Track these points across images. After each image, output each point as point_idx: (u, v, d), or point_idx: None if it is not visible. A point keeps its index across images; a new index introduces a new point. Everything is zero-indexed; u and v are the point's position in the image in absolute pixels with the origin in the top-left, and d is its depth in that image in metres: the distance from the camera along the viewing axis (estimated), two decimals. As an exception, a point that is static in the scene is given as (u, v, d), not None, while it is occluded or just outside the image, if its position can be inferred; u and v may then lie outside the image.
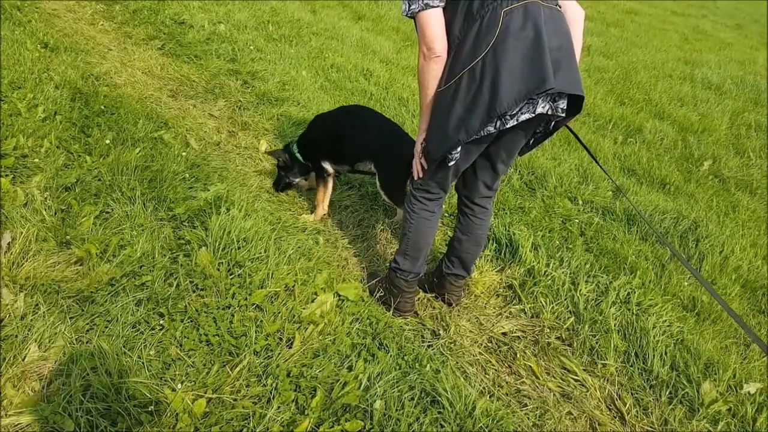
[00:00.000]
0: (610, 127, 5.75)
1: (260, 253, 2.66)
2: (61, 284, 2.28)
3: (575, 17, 2.12)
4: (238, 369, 2.09)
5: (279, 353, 2.20)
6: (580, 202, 3.92)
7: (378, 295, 2.76)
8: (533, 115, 2.01)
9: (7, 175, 2.87)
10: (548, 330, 2.68)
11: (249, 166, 3.86)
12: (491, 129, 2.01)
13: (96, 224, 2.65)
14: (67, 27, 5.33)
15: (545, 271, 2.95)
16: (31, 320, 2.12)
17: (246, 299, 2.42)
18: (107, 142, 3.29)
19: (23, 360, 1.99)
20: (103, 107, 3.72)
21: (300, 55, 6.23)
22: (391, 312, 2.67)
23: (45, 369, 1.99)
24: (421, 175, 2.37)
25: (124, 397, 1.88)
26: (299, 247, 2.93)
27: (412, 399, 2.11)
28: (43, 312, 2.15)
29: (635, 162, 4.89)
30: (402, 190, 2.90)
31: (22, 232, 2.48)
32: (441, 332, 2.58)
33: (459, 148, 2.11)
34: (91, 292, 2.27)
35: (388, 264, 2.81)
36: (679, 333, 2.76)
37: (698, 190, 4.54)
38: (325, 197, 3.36)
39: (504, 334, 2.65)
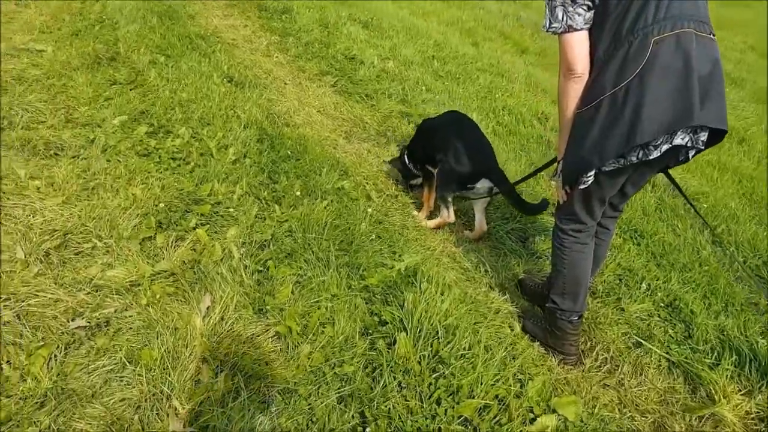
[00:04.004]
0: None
1: (464, 349, 2.38)
2: (264, 368, 2.15)
3: None
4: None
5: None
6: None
7: (537, 337, 2.77)
8: (670, 145, 1.98)
9: (203, 224, 2.86)
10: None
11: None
12: (633, 159, 2.02)
13: (293, 291, 2.52)
14: (246, 59, 5.51)
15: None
16: (231, 408, 1.99)
17: (453, 408, 2.14)
18: (297, 194, 3.21)
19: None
20: (289, 152, 3.69)
21: (468, 94, 6.02)
22: (557, 360, 2.66)
23: (247, 471, 1.83)
24: (564, 199, 2.39)
25: None
26: (499, 338, 2.62)
27: None
28: (244, 399, 2.01)
29: None
30: (443, 192, 3.30)
31: (221, 296, 2.40)
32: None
33: (592, 172, 2.12)
34: (295, 382, 2.10)
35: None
36: None
37: None
38: (430, 197, 3.59)
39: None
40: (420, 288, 2.67)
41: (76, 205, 2.84)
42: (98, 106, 3.78)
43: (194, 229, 2.80)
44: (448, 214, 3.39)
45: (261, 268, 2.63)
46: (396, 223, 3.44)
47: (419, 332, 2.39)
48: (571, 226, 2.46)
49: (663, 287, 3.30)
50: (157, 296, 2.37)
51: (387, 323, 2.45)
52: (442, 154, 3.32)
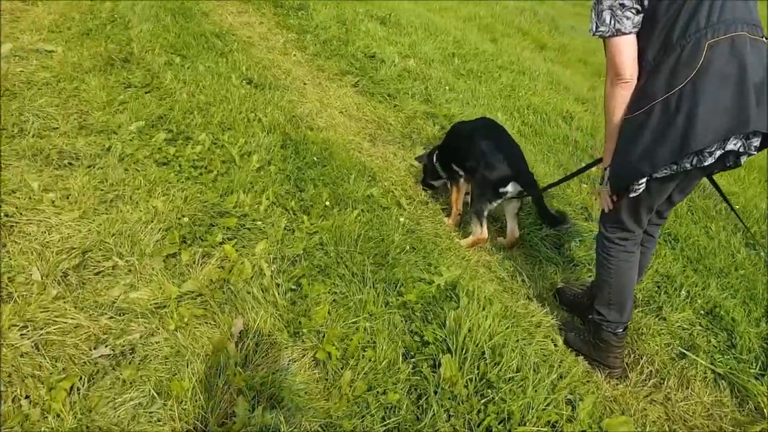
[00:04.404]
0: None
1: (513, 370, 2.21)
2: (304, 400, 1.99)
3: None
4: None
5: None
6: None
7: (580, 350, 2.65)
8: (723, 151, 1.92)
9: (230, 239, 2.70)
10: None
11: (456, 230, 3.49)
12: (687, 165, 1.96)
13: (330, 312, 2.36)
14: (263, 58, 5.35)
15: None
16: (270, 444, 1.84)
17: (506, 437, 1.98)
18: (326, 203, 3.05)
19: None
20: (315, 158, 3.53)
21: (492, 92, 5.84)
22: (603, 374, 2.55)
23: None
24: (610, 207, 2.30)
25: None
26: (544, 356, 2.47)
27: None
28: (284, 435, 1.86)
29: None
30: (482, 201, 3.14)
31: (254, 319, 2.25)
32: None
33: (643, 180, 2.05)
34: (338, 416, 1.94)
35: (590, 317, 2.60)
36: None
37: None
38: (458, 198, 3.48)
39: None
40: (460, 303, 2.53)
41: (93, 220, 2.68)
42: (113, 111, 3.62)
43: (221, 244, 2.65)
44: (480, 230, 3.22)
45: (294, 287, 2.47)
46: (429, 231, 3.28)
47: (464, 353, 2.23)
48: (618, 235, 2.38)
49: (702, 294, 3.19)
50: (185, 319, 2.22)
51: (429, 343, 2.29)
52: (473, 162, 3.20)
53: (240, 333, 2.18)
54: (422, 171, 3.81)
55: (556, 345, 2.65)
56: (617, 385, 2.54)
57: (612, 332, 2.52)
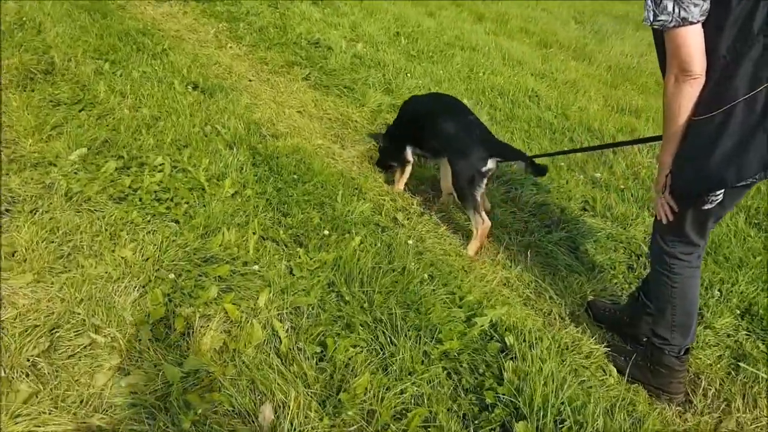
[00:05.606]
0: None
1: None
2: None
3: None
4: None
5: None
6: None
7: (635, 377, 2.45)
8: None
9: (224, 291, 2.30)
10: None
11: (459, 240, 3.22)
12: None
13: (371, 382, 2.02)
14: (199, 54, 4.83)
15: None
16: None
17: None
18: (325, 232, 2.69)
19: None
20: (294, 175, 3.14)
21: (450, 75, 5.59)
22: (665, 403, 2.36)
23: None
24: (670, 218, 2.10)
25: None
26: (613, 400, 2.25)
27: None
28: None
29: None
30: (470, 189, 3.01)
31: (283, 400, 1.88)
32: None
33: (722, 191, 1.91)
34: None
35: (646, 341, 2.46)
36: None
37: None
38: (402, 177, 3.52)
39: None
40: (507, 345, 2.28)
41: (53, 283, 2.21)
42: (45, 138, 3.07)
43: (215, 300, 2.25)
44: (481, 219, 3.04)
45: (318, 348, 2.11)
46: (436, 250, 2.99)
47: (540, 417, 1.96)
48: (680, 249, 2.20)
49: (734, 291, 3.07)
50: (198, 411, 1.83)
51: (492, 406, 2.01)
52: (439, 144, 3.18)
53: (271, 422, 1.82)
54: (378, 152, 3.71)
55: (610, 375, 2.45)
56: (683, 414, 2.36)
57: (675, 356, 2.34)
